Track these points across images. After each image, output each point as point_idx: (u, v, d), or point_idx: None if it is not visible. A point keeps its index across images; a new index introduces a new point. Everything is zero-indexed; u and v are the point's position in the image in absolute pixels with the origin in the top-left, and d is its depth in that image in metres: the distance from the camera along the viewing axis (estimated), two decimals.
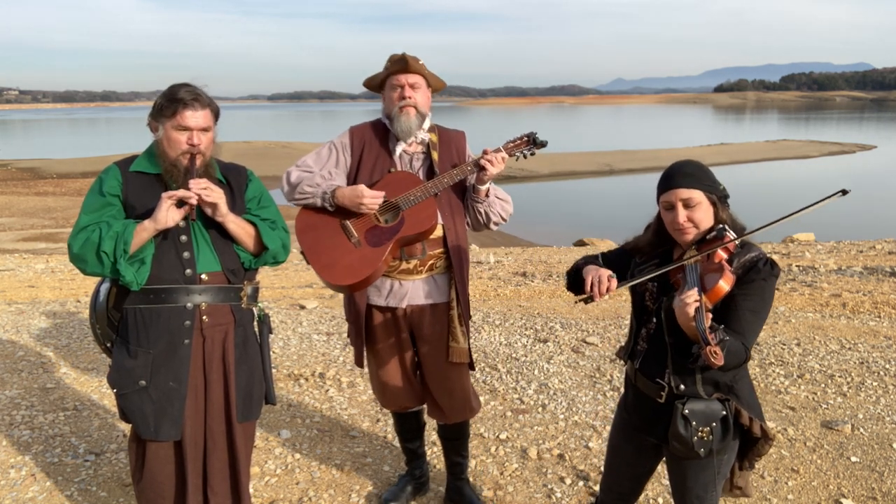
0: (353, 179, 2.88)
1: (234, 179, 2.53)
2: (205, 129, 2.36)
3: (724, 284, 1.91)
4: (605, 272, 2.05)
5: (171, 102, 2.31)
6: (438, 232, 2.84)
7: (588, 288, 2.05)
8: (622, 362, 2.30)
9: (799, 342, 5.43)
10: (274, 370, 4.94)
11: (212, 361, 2.45)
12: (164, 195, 2.29)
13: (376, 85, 2.91)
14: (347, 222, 2.79)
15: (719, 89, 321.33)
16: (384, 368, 3.00)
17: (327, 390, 4.60)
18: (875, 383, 4.58)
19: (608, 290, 2.02)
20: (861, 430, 3.91)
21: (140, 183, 2.39)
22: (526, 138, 2.91)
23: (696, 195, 2.02)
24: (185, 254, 2.37)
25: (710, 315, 1.85)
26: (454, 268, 2.87)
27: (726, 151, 35.11)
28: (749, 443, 2.13)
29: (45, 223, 18.39)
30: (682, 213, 2.02)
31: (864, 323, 5.98)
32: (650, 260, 2.17)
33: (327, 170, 2.86)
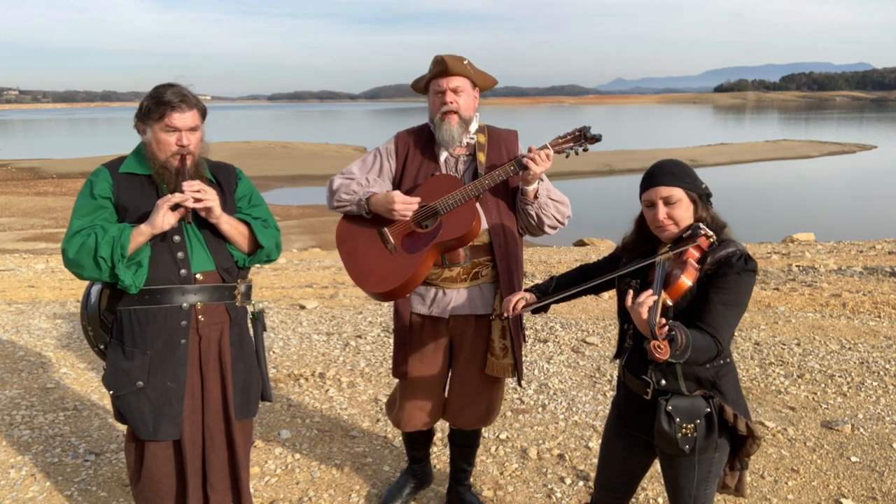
0: (397, 184, 2.81)
1: (223, 178, 2.52)
2: (193, 129, 2.35)
3: (686, 280, 1.95)
4: (519, 294, 2.34)
5: (158, 105, 2.29)
6: (484, 238, 2.72)
7: (503, 308, 2.33)
8: (616, 362, 2.34)
9: (799, 342, 5.43)
10: (274, 370, 4.95)
11: (208, 360, 2.45)
12: (159, 201, 2.29)
13: (422, 88, 2.83)
14: (385, 229, 2.71)
15: (719, 89, 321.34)
16: (411, 386, 2.89)
17: (327, 390, 4.60)
18: (875, 383, 4.58)
19: (514, 309, 2.30)
20: (861, 430, 3.91)
21: (131, 184, 2.38)
22: (578, 133, 2.73)
23: (677, 192, 2.07)
24: (180, 254, 2.38)
25: (663, 311, 1.87)
26: (500, 276, 2.73)
27: (726, 151, 35.11)
28: (737, 442, 2.13)
29: (45, 223, 18.39)
30: (661, 211, 2.08)
31: (864, 323, 5.98)
32: (634, 259, 2.21)
33: (368, 177, 2.79)
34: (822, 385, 4.58)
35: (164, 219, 2.28)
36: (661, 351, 1.76)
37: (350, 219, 2.80)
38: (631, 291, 2.15)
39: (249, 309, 2.59)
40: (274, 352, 5.38)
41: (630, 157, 32.30)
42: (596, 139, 2.74)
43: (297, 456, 3.70)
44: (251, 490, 3.33)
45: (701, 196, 2.11)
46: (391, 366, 3.02)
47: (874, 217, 17.91)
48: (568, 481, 3.42)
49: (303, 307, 6.87)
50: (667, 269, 2.00)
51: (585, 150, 2.77)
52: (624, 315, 2.24)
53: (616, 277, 2.24)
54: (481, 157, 2.76)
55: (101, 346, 2.49)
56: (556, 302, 2.35)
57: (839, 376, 4.70)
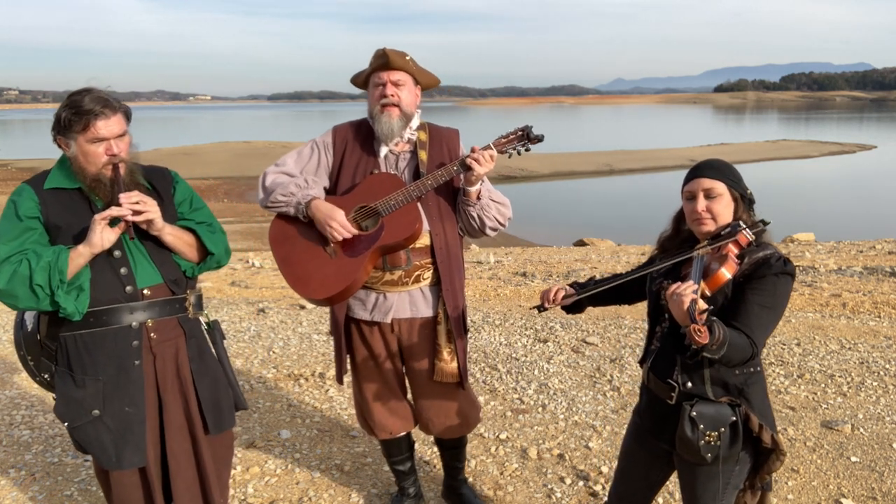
0: (334, 181, 2.72)
1: (159, 183, 2.35)
2: (121, 136, 2.18)
3: (726, 272, 1.92)
4: (561, 286, 2.26)
5: (79, 115, 2.10)
6: (425, 240, 2.65)
7: (540, 298, 2.28)
8: (639, 367, 2.29)
9: (799, 342, 5.43)
10: (274, 370, 4.95)
11: (165, 379, 2.31)
12: (96, 217, 2.12)
13: (361, 82, 2.74)
14: None
15: (719, 89, 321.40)
16: (370, 391, 2.83)
17: (327, 390, 4.60)
18: (875, 383, 4.58)
19: (553, 300, 2.23)
20: (861, 430, 3.91)
21: (59, 201, 2.20)
22: (520, 132, 2.67)
23: (719, 187, 2.04)
24: (123, 270, 2.22)
25: (703, 303, 1.83)
26: (442, 279, 2.67)
27: (726, 151, 35.11)
28: (760, 457, 2.08)
29: None
30: (701, 202, 2.05)
31: (864, 323, 5.98)
32: (669, 259, 2.17)
33: (306, 175, 2.68)
34: (822, 385, 4.58)
35: (103, 236, 2.12)
36: (701, 335, 1.73)
37: (285, 219, 2.68)
38: (667, 284, 2.12)
39: (203, 320, 2.45)
40: (274, 352, 5.38)
41: (630, 157, 32.30)
42: (538, 139, 2.70)
43: (297, 456, 3.70)
44: (251, 490, 3.34)
45: (743, 197, 2.08)
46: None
47: (874, 217, 17.92)
48: (568, 481, 3.42)
49: (303, 307, 6.87)
50: (705, 262, 1.98)
51: (528, 149, 2.72)
52: (654, 317, 2.19)
53: (648, 278, 2.20)
54: (423, 155, 2.69)
55: (46, 376, 2.31)
56: (593, 299, 2.27)
57: (839, 376, 4.70)
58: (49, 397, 4.42)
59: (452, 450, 3.09)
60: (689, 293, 1.81)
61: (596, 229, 15.85)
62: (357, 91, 2.79)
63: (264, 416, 4.18)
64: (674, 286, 1.87)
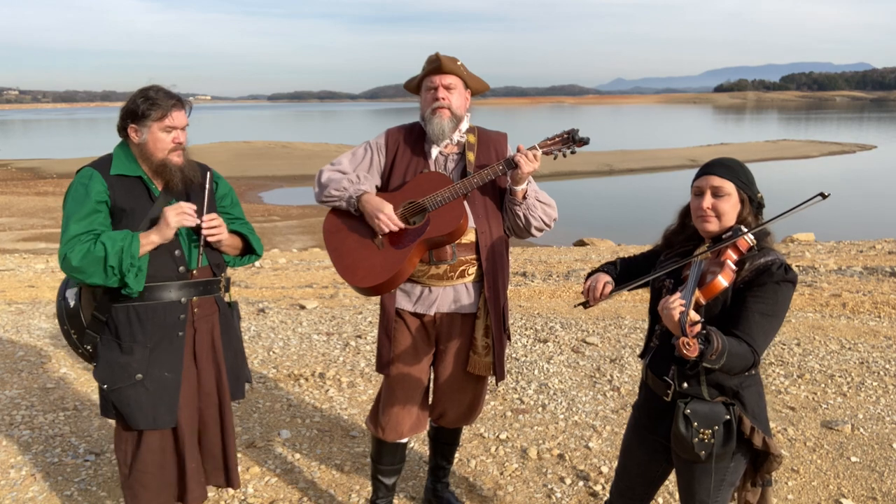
0: (386, 180, 2.83)
1: (203, 180, 2.62)
2: (184, 128, 2.48)
3: (722, 280, 1.91)
4: (604, 278, 2.21)
5: (155, 106, 2.38)
6: (471, 236, 2.73)
7: (584, 293, 2.23)
8: (639, 367, 2.30)
9: (799, 342, 5.43)
10: (274, 370, 4.95)
11: (202, 350, 2.60)
12: (169, 209, 2.40)
13: (414, 87, 2.84)
14: None
15: (719, 89, 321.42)
16: (396, 387, 2.86)
17: (327, 390, 4.60)
18: (875, 383, 4.58)
19: (601, 295, 2.17)
20: (861, 430, 3.91)
21: (123, 187, 2.44)
22: (566, 135, 2.75)
23: (728, 186, 2.05)
24: (177, 252, 2.49)
25: (695, 315, 1.83)
26: (485, 275, 2.75)
27: (726, 151, 35.08)
28: (759, 458, 2.10)
29: (45, 223, 18.37)
30: (707, 199, 2.05)
31: (864, 323, 5.98)
32: (673, 257, 2.17)
33: (359, 172, 2.80)
34: (822, 385, 4.58)
35: (176, 226, 2.42)
36: (690, 348, 1.73)
37: (338, 212, 2.81)
38: (669, 283, 2.12)
39: (226, 299, 2.73)
40: (274, 352, 5.38)
41: (630, 157, 32.29)
42: (584, 142, 2.77)
43: (297, 456, 3.70)
44: (251, 490, 3.34)
45: (752, 200, 2.08)
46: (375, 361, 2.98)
47: (874, 217, 17.92)
48: (568, 481, 3.42)
49: (303, 307, 6.87)
50: (703, 268, 1.97)
51: (573, 152, 2.79)
52: (655, 314, 2.21)
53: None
54: (470, 156, 2.78)
55: (88, 347, 2.55)
56: (625, 289, 2.25)
57: (839, 376, 4.70)
58: (49, 397, 4.42)
59: (447, 445, 3.12)
60: (677, 306, 1.83)
61: (596, 229, 15.85)
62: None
63: (264, 416, 4.17)
64: (663, 300, 1.88)
